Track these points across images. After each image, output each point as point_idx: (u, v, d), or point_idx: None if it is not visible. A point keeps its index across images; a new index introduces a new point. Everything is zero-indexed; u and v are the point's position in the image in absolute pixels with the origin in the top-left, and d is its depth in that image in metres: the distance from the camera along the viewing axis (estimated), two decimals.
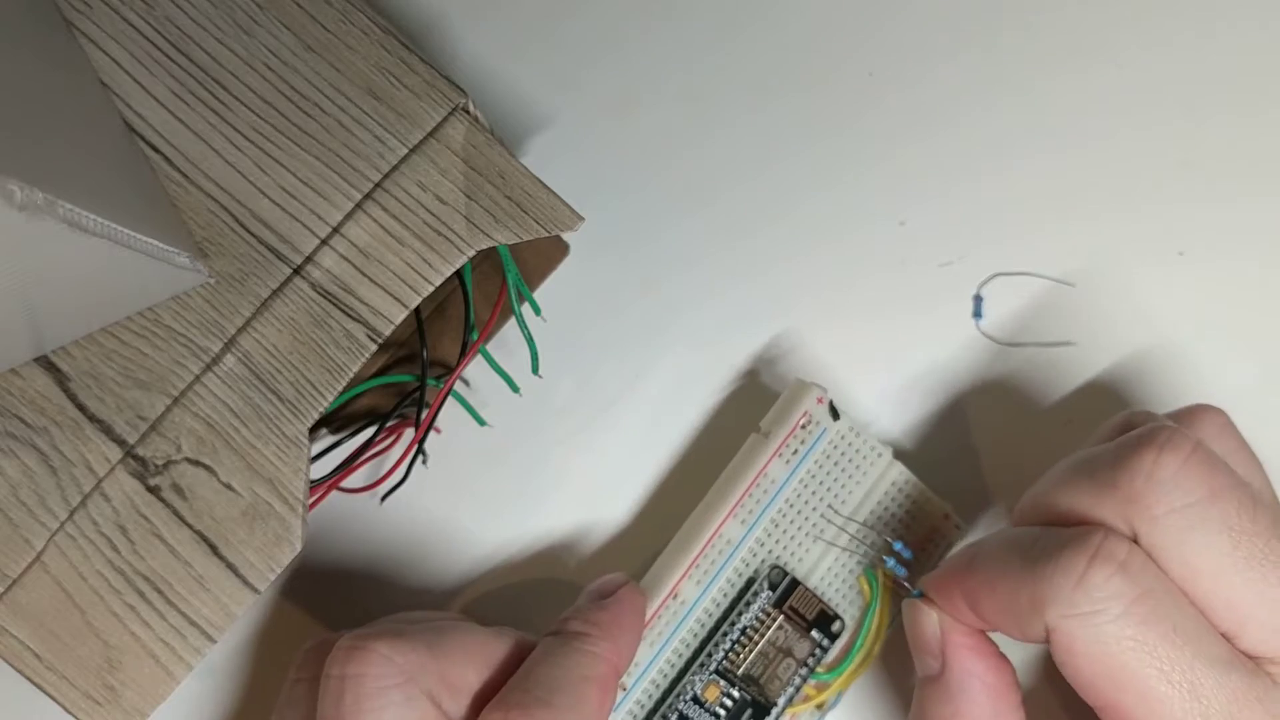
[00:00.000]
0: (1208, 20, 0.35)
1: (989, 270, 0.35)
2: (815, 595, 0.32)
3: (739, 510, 0.32)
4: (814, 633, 0.32)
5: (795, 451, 0.32)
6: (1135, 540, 0.26)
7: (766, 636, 0.31)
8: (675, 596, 0.31)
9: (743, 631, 0.31)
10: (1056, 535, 0.26)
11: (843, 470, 0.32)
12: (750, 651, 0.31)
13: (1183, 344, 0.34)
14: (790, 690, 0.31)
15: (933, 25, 0.35)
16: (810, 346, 0.34)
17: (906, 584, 0.31)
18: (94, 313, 0.27)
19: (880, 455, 0.33)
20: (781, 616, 0.31)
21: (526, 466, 0.34)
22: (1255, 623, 0.26)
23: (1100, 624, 0.25)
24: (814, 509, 0.32)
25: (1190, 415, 0.29)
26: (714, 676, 0.31)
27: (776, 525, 0.32)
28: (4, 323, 0.25)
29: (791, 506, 0.32)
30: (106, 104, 0.28)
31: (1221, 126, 0.35)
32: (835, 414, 0.32)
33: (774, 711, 0.31)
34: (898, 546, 0.32)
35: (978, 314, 0.35)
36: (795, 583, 0.32)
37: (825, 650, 0.32)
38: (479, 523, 0.34)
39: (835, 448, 0.32)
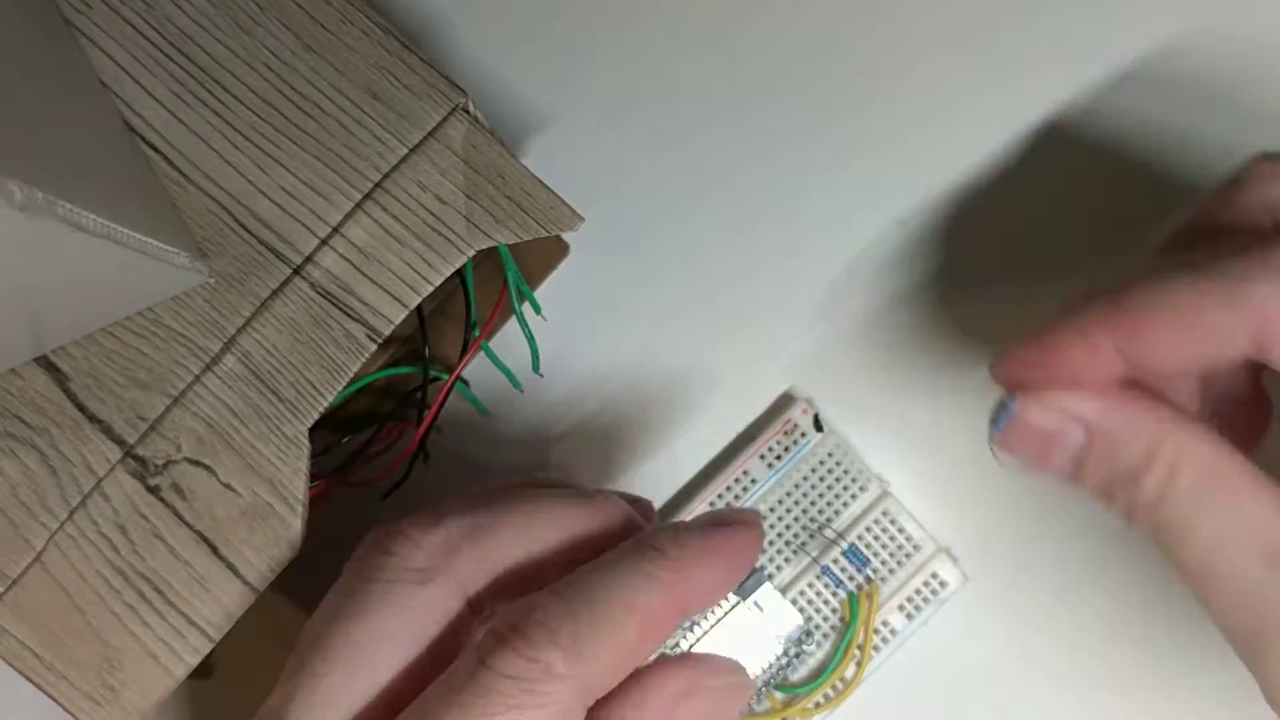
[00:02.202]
0: (1209, 16, 0.35)
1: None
2: (783, 598, 0.32)
3: (715, 500, 0.33)
4: (778, 636, 0.32)
5: (778, 456, 0.33)
6: None
7: (721, 622, 0.32)
8: None
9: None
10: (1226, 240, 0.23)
11: (829, 488, 0.33)
12: (703, 634, 0.32)
13: None
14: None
15: (931, 25, 0.35)
16: (809, 346, 0.34)
17: (1002, 411, 0.24)
18: (94, 313, 0.27)
19: (871, 483, 0.33)
20: (740, 606, 0.32)
21: (526, 465, 0.34)
22: None
23: None
24: (798, 521, 0.33)
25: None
26: (665, 653, 0.32)
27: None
28: (4, 323, 0.25)
29: (773, 512, 0.33)
30: (106, 104, 0.28)
31: (1224, 126, 0.35)
32: (819, 426, 0.33)
33: None
34: (846, 549, 0.32)
35: None
36: (761, 580, 0.32)
37: (793, 659, 0.32)
38: None
39: (824, 465, 0.33)
